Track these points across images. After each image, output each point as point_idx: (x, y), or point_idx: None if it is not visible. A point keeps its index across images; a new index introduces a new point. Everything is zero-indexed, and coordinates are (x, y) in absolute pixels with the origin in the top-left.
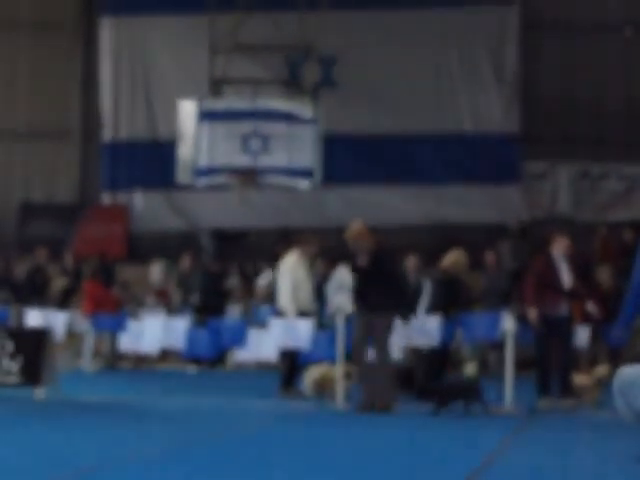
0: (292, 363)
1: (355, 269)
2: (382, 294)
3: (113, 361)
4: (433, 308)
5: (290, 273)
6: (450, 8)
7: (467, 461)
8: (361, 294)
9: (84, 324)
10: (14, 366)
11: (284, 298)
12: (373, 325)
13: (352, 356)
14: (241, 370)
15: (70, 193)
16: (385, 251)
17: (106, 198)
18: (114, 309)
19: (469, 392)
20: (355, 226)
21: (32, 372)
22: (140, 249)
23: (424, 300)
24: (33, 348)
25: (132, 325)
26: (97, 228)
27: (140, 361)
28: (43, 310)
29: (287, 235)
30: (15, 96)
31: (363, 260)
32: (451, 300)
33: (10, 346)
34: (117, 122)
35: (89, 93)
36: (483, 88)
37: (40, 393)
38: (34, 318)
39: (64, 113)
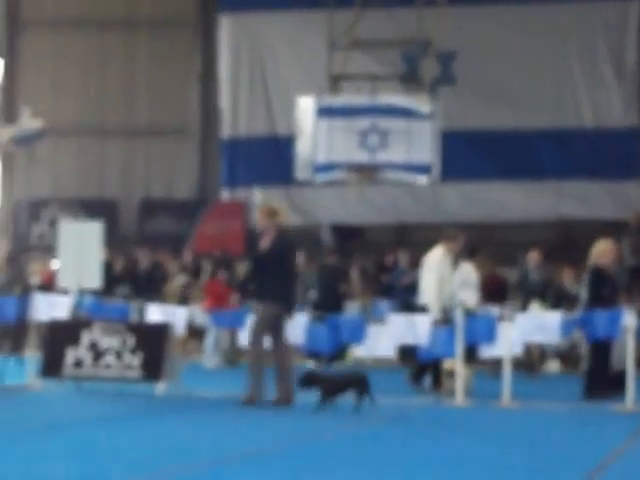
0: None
1: (255, 253)
2: (274, 281)
3: (233, 357)
4: (592, 301)
5: (435, 269)
6: (570, 2)
7: (587, 460)
8: (255, 279)
9: (204, 320)
10: (135, 361)
11: (429, 294)
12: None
13: (249, 346)
14: (359, 366)
15: (189, 190)
16: (286, 237)
17: (225, 194)
18: (232, 305)
19: (357, 384)
20: (265, 206)
21: (153, 367)
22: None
23: (582, 293)
24: (154, 343)
25: (251, 320)
26: (216, 224)
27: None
28: (164, 306)
29: (404, 231)
30: (135, 94)
31: (265, 243)
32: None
33: (131, 341)
34: (236, 119)
35: (208, 90)
36: (603, 82)
37: (161, 388)
38: (155, 313)
39: (183, 110)
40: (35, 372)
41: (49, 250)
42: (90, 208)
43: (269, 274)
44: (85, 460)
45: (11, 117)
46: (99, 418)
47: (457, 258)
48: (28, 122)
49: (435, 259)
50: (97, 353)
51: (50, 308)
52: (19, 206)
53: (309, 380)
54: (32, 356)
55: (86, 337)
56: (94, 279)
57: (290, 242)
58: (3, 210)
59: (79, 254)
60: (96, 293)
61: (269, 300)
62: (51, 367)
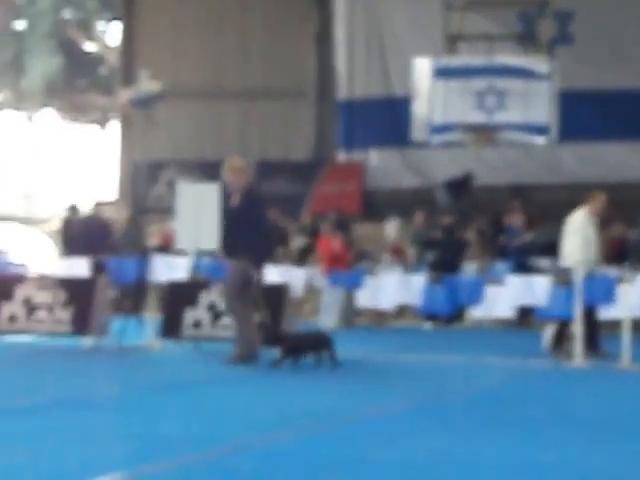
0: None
1: (226, 209)
2: (244, 238)
3: (350, 318)
4: None
5: (580, 231)
6: None
7: None
8: (227, 236)
9: (322, 281)
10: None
11: (573, 256)
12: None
13: (226, 312)
14: (478, 327)
15: (305, 151)
16: (256, 192)
17: (341, 156)
18: (351, 266)
19: (320, 343)
20: (232, 162)
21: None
22: (375, 206)
23: None
24: (272, 304)
25: (369, 282)
26: (333, 186)
27: (377, 318)
28: (281, 266)
29: (520, 191)
30: (252, 56)
31: (235, 200)
32: None
33: None
34: (352, 80)
35: (324, 52)
36: None
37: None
38: (272, 274)
39: (300, 72)
40: (154, 333)
41: (167, 212)
42: (207, 170)
43: (239, 231)
44: (203, 420)
45: (130, 80)
46: (218, 379)
47: (600, 219)
48: (146, 84)
49: (579, 221)
50: (215, 314)
51: (169, 269)
52: (137, 168)
53: (272, 338)
54: (151, 317)
55: (204, 298)
56: (211, 241)
57: (260, 198)
58: (122, 172)
59: (197, 216)
60: (213, 254)
61: (239, 257)
62: (170, 328)
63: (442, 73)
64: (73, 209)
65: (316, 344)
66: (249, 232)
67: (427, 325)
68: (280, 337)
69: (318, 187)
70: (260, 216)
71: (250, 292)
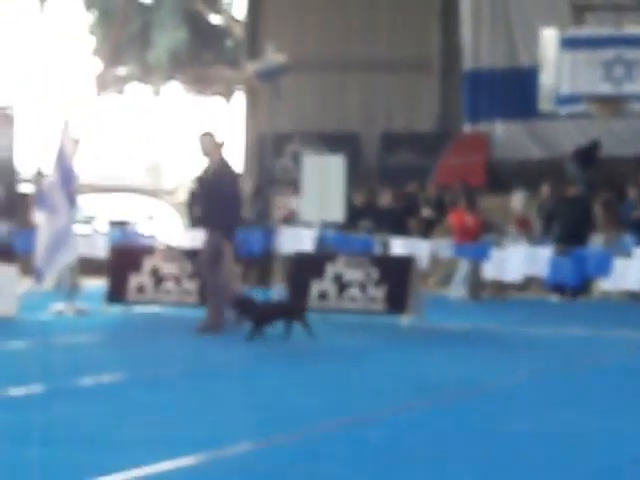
0: None
1: (201, 180)
2: (216, 209)
3: (477, 290)
4: None
5: None
6: None
7: None
8: (201, 207)
9: (449, 252)
10: (379, 293)
11: None
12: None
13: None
14: (605, 300)
15: (430, 123)
16: (229, 166)
17: (467, 127)
18: (477, 238)
19: (291, 312)
20: (212, 136)
21: (397, 300)
22: (500, 178)
23: None
24: (398, 276)
25: (495, 254)
26: (458, 157)
27: (503, 289)
28: (407, 239)
29: None
30: (375, 29)
31: (209, 170)
32: None
33: (375, 274)
34: (477, 51)
35: (449, 23)
36: None
37: (405, 320)
38: (399, 246)
39: (424, 44)
40: None
41: (293, 184)
42: (332, 142)
43: (212, 201)
44: (329, 390)
45: (255, 52)
46: (344, 349)
47: None
48: (272, 57)
49: None
50: (341, 286)
51: (294, 241)
52: (263, 140)
53: (242, 307)
54: (277, 288)
55: (330, 270)
56: (337, 212)
57: (232, 172)
58: (247, 144)
59: (322, 187)
60: (339, 226)
61: (211, 228)
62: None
63: (569, 44)
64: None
65: (287, 313)
66: (222, 203)
67: (554, 297)
68: (251, 307)
69: (443, 159)
70: (232, 189)
71: (220, 262)
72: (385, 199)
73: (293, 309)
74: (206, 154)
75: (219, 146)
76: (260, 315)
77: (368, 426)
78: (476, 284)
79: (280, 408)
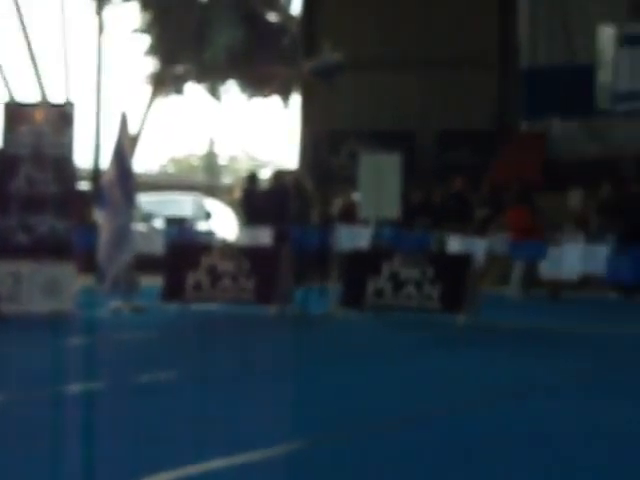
0: None
1: None
2: None
3: (530, 288)
4: None
5: None
6: None
7: None
8: None
9: (505, 250)
10: (435, 292)
11: None
12: None
13: None
14: None
15: (487, 120)
16: None
17: (524, 125)
18: (535, 236)
19: None
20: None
21: (453, 298)
22: (558, 176)
23: None
24: (454, 274)
25: (552, 252)
26: (515, 155)
27: (559, 287)
28: (464, 237)
29: None
30: (432, 25)
31: None
32: None
33: (431, 272)
34: (535, 48)
35: (507, 21)
36: None
37: (461, 319)
38: (455, 244)
39: (481, 41)
40: (337, 302)
41: (350, 181)
42: (388, 140)
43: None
44: (383, 389)
45: (312, 50)
46: (398, 348)
47: None
48: (328, 55)
49: None
50: (397, 283)
51: (351, 239)
52: (319, 138)
53: None
54: (334, 286)
55: (386, 268)
56: (393, 210)
57: None
58: (303, 142)
59: (379, 185)
60: (395, 224)
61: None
62: (352, 297)
63: (628, 41)
64: (253, 178)
65: None
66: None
67: (612, 295)
68: None
69: (500, 156)
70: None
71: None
72: (439, 196)
73: None
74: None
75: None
76: None
77: (415, 427)
78: (530, 282)
79: (331, 407)
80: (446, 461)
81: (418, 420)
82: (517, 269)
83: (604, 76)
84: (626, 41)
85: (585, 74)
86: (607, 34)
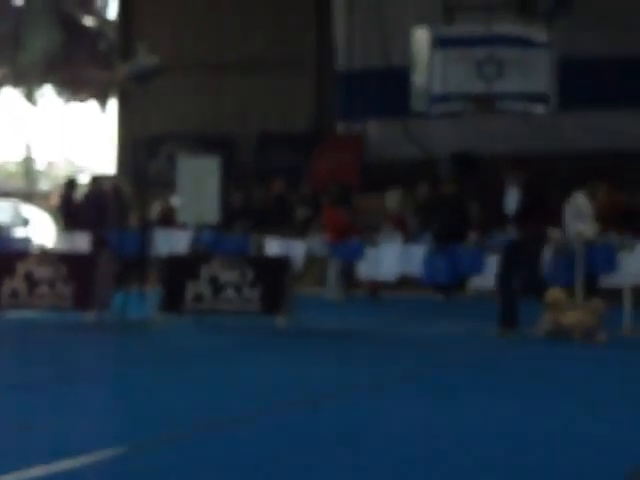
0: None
1: None
2: None
3: (347, 289)
4: None
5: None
6: None
7: None
8: None
9: (324, 252)
10: (255, 294)
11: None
12: None
13: None
14: (479, 297)
15: (305, 123)
16: None
17: (341, 127)
18: (353, 237)
19: None
20: None
21: (272, 300)
22: (375, 177)
23: None
24: (273, 276)
25: (370, 252)
26: (332, 157)
27: (378, 288)
28: (283, 239)
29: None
30: (250, 28)
31: None
32: None
33: (250, 274)
34: (351, 51)
35: (323, 23)
36: None
37: (280, 321)
38: (274, 247)
39: (299, 43)
40: (156, 307)
41: (168, 186)
42: (207, 143)
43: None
44: (205, 392)
45: (128, 54)
46: (219, 351)
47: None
48: (144, 58)
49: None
50: (217, 287)
51: (170, 243)
52: (137, 142)
53: None
54: (153, 291)
55: (205, 271)
56: (213, 214)
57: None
58: (120, 146)
59: (198, 189)
60: (215, 228)
61: None
62: (171, 301)
63: (441, 43)
64: (71, 184)
65: None
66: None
67: (433, 294)
68: None
69: (318, 158)
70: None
71: None
72: (259, 198)
73: None
74: None
75: None
76: None
77: (239, 427)
78: (346, 283)
79: (150, 410)
80: (261, 461)
81: (242, 421)
82: (331, 270)
83: (419, 78)
84: (439, 43)
85: (401, 76)
86: (421, 37)
